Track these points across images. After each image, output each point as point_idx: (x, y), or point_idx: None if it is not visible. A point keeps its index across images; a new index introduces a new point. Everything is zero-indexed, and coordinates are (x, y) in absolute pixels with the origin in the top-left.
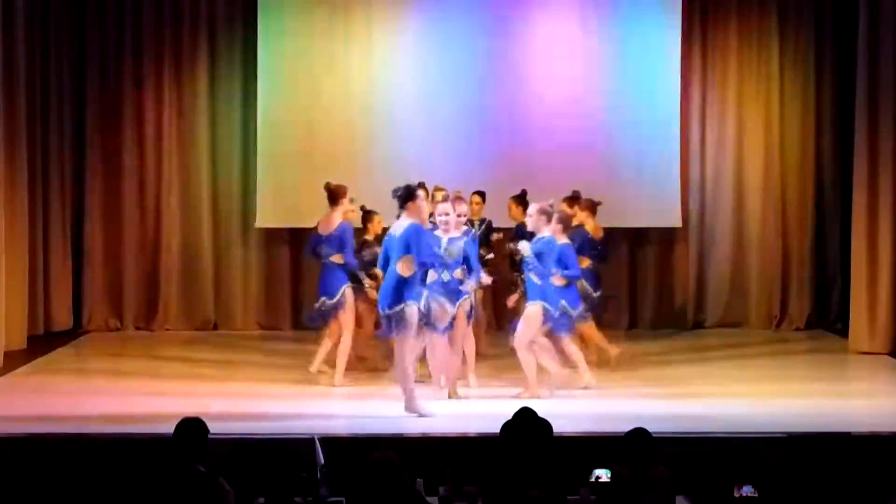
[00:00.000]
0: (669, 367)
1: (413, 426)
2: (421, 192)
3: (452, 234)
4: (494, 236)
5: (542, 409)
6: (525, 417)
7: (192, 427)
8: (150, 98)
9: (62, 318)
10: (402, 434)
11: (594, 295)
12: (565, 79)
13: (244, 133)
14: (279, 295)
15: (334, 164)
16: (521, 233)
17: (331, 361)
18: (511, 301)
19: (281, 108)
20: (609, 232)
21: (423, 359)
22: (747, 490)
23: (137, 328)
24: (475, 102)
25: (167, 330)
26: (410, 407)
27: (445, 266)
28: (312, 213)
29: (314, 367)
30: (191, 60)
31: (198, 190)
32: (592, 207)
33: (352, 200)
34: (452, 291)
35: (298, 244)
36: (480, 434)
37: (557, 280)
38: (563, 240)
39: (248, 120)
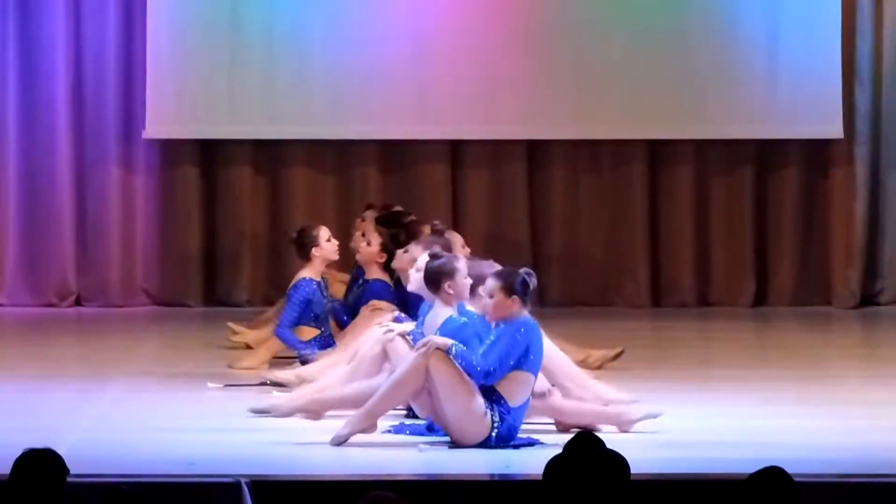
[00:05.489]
0: (820, 366)
1: (405, 464)
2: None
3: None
4: None
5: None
6: (585, 449)
7: (39, 464)
8: None
9: None
10: (390, 476)
11: None
12: None
13: None
14: (184, 249)
15: (275, 45)
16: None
17: None
18: None
19: None
20: (725, 148)
21: None
22: None
23: None
24: None
25: (1, 306)
26: None
27: None
28: (239, 115)
29: None
30: None
31: (47, 84)
32: None
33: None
34: None
35: (216, 167)
36: (506, 477)
37: None
38: None
39: None
